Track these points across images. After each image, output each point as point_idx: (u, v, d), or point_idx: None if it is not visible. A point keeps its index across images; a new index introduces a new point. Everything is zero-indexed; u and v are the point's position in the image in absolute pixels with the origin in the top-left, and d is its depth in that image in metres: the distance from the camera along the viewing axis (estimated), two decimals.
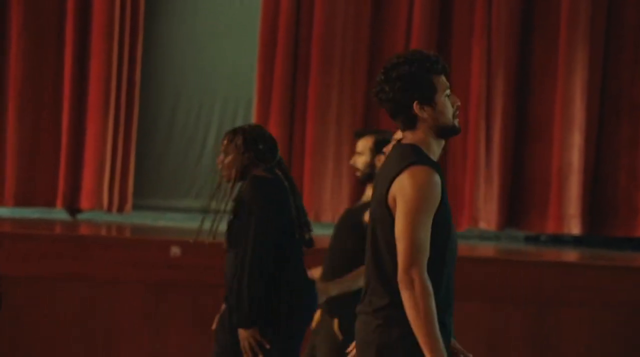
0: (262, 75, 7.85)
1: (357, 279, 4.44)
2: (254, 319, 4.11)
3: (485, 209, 7.74)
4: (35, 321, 5.88)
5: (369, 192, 4.67)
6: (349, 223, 4.65)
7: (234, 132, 4.32)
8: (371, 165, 4.77)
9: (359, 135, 4.87)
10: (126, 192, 7.83)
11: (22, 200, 7.64)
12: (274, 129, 7.80)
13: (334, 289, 4.54)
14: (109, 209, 7.72)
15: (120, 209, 7.76)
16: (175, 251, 6.14)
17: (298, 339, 4.32)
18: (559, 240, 7.89)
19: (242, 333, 4.15)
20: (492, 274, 6.24)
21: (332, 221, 7.78)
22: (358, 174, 4.72)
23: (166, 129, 8.36)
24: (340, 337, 4.53)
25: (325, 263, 4.69)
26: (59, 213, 7.83)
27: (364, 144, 4.82)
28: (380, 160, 4.89)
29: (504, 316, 6.20)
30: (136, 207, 8.00)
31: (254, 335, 4.14)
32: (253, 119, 7.94)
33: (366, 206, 4.50)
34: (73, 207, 7.75)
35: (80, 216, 7.80)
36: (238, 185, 4.28)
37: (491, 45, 7.81)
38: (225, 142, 4.31)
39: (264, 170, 4.24)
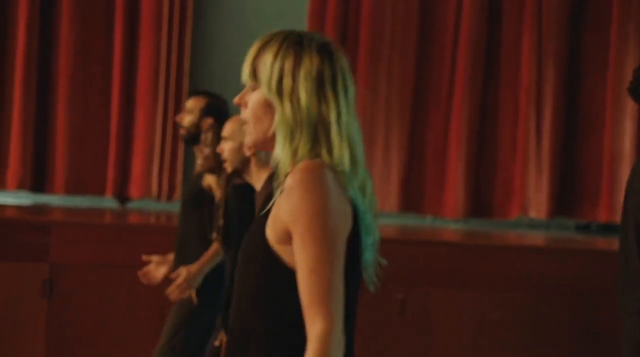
0: None
1: (215, 258, 4.40)
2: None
3: (535, 198, 7.68)
4: (86, 308, 5.93)
5: (200, 159, 4.64)
6: (192, 195, 4.56)
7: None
8: (197, 125, 4.72)
9: (192, 94, 4.80)
10: (175, 181, 7.87)
11: (73, 188, 7.72)
12: None
13: (197, 274, 4.50)
14: (158, 198, 7.77)
15: (170, 197, 7.80)
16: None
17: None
18: (610, 228, 7.80)
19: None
20: (542, 263, 6.19)
21: (380, 209, 7.76)
22: (182, 132, 4.63)
23: None
24: (195, 301, 4.56)
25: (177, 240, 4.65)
26: (109, 202, 7.89)
27: (194, 104, 4.77)
28: (207, 123, 4.83)
29: (553, 305, 6.15)
30: None
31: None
32: None
33: (201, 175, 4.45)
34: (122, 196, 7.81)
35: (129, 205, 7.86)
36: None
37: (541, 34, 7.73)
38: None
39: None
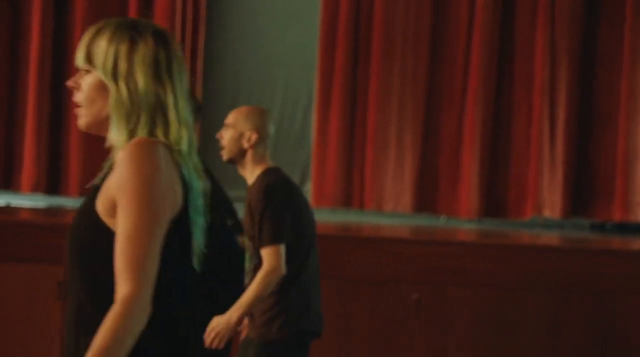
0: (322, 64, 7.84)
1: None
2: None
3: (549, 197, 7.66)
4: None
5: None
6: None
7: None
8: None
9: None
10: None
11: (87, 190, 7.72)
12: (335, 118, 7.79)
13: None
14: None
15: None
16: (241, 240, 6.16)
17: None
18: (625, 228, 7.78)
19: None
20: (558, 263, 6.18)
21: (393, 211, 7.76)
22: None
23: None
24: None
25: None
26: None
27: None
28: None
29: (569, 305, 6.13)
30: None
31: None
32: (314, 107, 7.94)
33: None
34: None
35: None
36: None
37: (555, 32, 7.71)
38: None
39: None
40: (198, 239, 2.35)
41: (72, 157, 7.73)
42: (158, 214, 2.23)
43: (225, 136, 4.18)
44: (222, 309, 4.00)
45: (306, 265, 4.19)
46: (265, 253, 4.03)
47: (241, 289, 4.17)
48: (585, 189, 7.75)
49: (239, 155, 4.19)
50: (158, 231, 2.23)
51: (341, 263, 6.20)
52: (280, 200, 4.08)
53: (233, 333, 4.01)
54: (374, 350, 6.14)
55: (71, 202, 7.81)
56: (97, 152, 7.45)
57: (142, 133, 2.32)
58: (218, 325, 3.98)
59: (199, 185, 2.37)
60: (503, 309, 6.15)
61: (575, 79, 7.75)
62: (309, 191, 7.98)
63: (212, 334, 3.97)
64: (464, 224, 7.76)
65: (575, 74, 7.74)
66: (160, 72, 2.37)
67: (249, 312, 4.03)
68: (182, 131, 2.33)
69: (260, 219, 4.05)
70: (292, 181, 4.33)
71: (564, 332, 6.13)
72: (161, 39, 2.43)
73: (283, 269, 4.04)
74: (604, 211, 7.72)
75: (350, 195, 7.80)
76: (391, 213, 7.80)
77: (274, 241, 4.02)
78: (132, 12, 7.77)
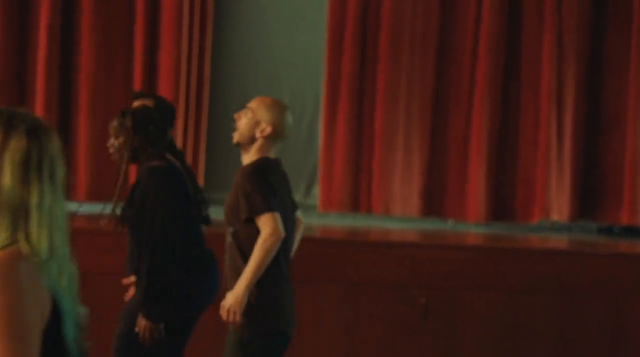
0: (330, 66, 7.84)
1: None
2: (162, 315, 4.13)
3: (557, 201, 7.66)
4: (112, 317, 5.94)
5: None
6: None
7: (124, 113, 4.29)
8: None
9: (136, 95, 4.84)
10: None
11: (95, 195, 7.74)
12: (342, 122, 7.79)
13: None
14: None
15: None
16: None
17: (194, 320, 4.34)
18: (633, 231, 7.77)
19: (146, 324, 4.16)
20: (566, 266, 6.17)
21: (402, 213, 7.75)
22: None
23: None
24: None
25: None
26: None
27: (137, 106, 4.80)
28: None
29: (578, 308, 6.13)
30: None
31: (158, 329, 4.16)
32: (321, 111, 7.94)
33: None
34: None
35: None
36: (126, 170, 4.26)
37: (562, 34, 7.71)
38: (114, 124, 4.27)
39: (156, 157, 4.20)
40: (70, 342, 2.31)
41: (79, 162, 7.74)
42: (29, 337, 2.20)
43: (242, 120, 4.18)
44: None
45: (280, 262, 4.15)
46: (261, 221, 4.01)
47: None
48: (592, 192, 7.74)
49: (249, 141, 4.18)
50: (31, 353, 2.19)
51: (349, 267, 6.20)
52: (270, 179, 4.07)
53: (244, 304, 4.00)
54: (382, 354, 6.14)
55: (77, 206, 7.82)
56: (104, 157, 7.45)
57: (3, 236, 2.25)
58: (227, 302, 4.01)
59: (65, 288, 2.31)
60: (511, 313, 6.15)
61: (583, 81, 7.74)
62: (316, 195, 7.99)
63: (225, 312, 4.01)
64: (471, 227, 7.75)
65: (583, 76, 7.74)
66: (28, 171, 2.27)
67: (253, 280, 4.00)
68: (41, 237, 2.25)
69: (251, 192, 4.02)
70: (284, 180, 4.28)
71: (572, 335, 6.12)
72: (35, 134, 2.30)
73: (282, 232, 4.02)
74: (611, 214, 7.72)
75: (358, 199, 7.80)
76: (399, 217, 7.80)
77: (267, 209, 4.01)
78: (140, 12, 7.77)
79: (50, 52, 7.71)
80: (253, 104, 4.24)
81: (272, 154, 4.23)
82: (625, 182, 7.64)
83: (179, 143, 7.75)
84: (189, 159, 7.82)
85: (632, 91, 7.66)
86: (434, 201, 7.76)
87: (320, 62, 7.96)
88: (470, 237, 7.29)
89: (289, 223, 4.22)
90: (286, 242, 4.16)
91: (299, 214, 4.44)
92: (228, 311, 4.02)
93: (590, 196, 7.74)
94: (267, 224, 4.01)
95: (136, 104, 4.61)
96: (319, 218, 7.87)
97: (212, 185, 8.22)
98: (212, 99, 8.08)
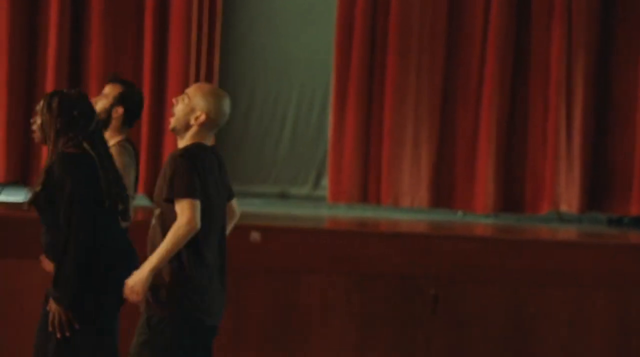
0: (339, 61, 7.85)
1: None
2: (70, 299, 4.13)
3: (566, 192, 7.65)
4: None
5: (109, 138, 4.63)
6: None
7: (52, 94, 4.28)
8: (107, 111, 4.74)
9: (111, 78, 4.81)
10: None
11: None
12: (351, 115, 7.80)
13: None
14: None
15: None
16: (254, 236, 6.17)
17: (113, 313, 4.33)
18: None
19: (56, 308, 4.16)
20: (576, 257, 6.17)
21: (410, 205, 7.76)
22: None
23: (245, 115, 8.41)
24: None
25: None
26: (141, 200, 7.92)
27: (109, 90, 4.81)
28: (118, 112, 4.84)
29: (587, 299, 6.13)
30: None
31: (67, 314, 4.16)
32: (331, 104, 7.95)
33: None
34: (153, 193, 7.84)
35: None
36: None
37: (571, 28, 7.69)
38: (41, 103, 4.27)
39: (72, 143, 4.19)
40: None
41: None
42: None
43: (179, 105, 4.16)
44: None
45: (207, 251, 4.10)
46: (179, 207, 3.94)
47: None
48: (602, 183, 7.73)
49: (184, 128, 4.14)
50: None
51: (358, 258, 6.20)
52: (199, 164, 4.02)
53: (147, 286, 3.98)
54: (390, 345, 6.15)
55: None
56: None
57: None
58: (132, 281, 3.99)
59: None
60: (520, 304, 6.14)
61: (592, 74, 7.73)
62: (326, 186, 8.00)
63: (128, 291, 3.99)
64: (480, 219, 7.75)
65: (592, 69, 7.73)
66: None
67: (160, 265, 3.94)
68: None
69: (175, 175, 3.97)
70: (220, 167, 4.22)
71: (582, 326, 6.12)
72: None
73: (197, 223, 3.94)
74: (621, 205, 7.71)
75: (367, 191, 7.81)
76: (408, 208, 7.80)
77: (187, 194, 3.93)
78: (149, 7, 7.79)
79: (60, 47, 7.74)
80: (190, 90, 4.18)
81: (207, 141, 4.18)
82: (635, 173, 7.63)
83: None
84: None
85: None
86: (443, 193, 7.76)
87: (330, 56, 7.97)
88: (479, 229, 7.29)
89: (220, 212, 4.16)
90: (217, 231, 4.11)
91: (234, 202, 4.34)
92: (131, 289, 4.00)
93: (599, 188, 7.73)
94: (184, 212, 3.94)
95: (107, 88, 4.67)
96: (328, 209, 7.89)
97: None
98: None
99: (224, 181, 4.21)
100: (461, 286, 6.14)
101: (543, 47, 7.73)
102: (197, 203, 3.96)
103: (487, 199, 7.64)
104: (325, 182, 8.03)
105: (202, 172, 4.02)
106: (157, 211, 4.10)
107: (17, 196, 7.29)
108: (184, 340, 4.04)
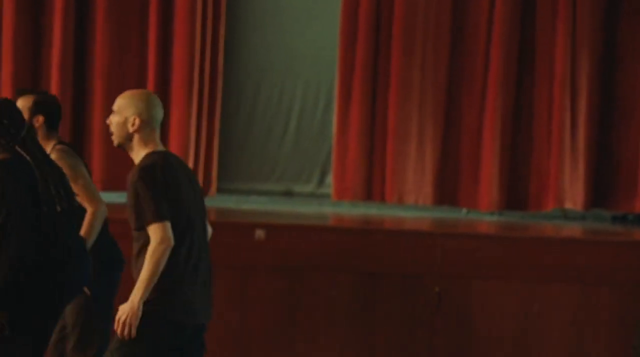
0: (343, 57, 7.85)
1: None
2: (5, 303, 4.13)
3: (571, 190, 7.64)
4: None
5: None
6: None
7: None
8: (30, 123, 4.73)
9: (19, 93, 4.80)
10: (210, 176, 7.90)
11: (109, 185, 7.77)
12: (356, 112, 7.81)
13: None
14: None
15: (205, 192, 7.84)
16: (259, 233, 6.18)
17: (54, 316, 4.32)
18: None
19: None
20: (580, 254, 6.17)
21: (415, 202, 7.76)
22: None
23: (249, 113, 8.41)
24: None
25: None
26: None
27: (22, 103, 4.80)
28: (39, 121, 4.85)
29: (592, 296, 6.13)
30: (220, 190, 8.08)
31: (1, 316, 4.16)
32: (335, 101, 7.95)
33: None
34: None
35: None
36: None
37: (576, 24, 7.68)
38: None
39: (2, 149, 4.20)
40: None
41: (94, 153, 7.78)
42: None
43: (113, 122, 4.19)
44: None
45: (178, 252, 4.10)
46: (151, 230, 3.99)
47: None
48: (606, 180, 7.73)
49: (127, 139, 4.16)
50: None
51: (362, 256, 6.21)
52: (155, 180, 4.02)
53: (139, 316, 3.99)
54: (395, 342, 6.15)
55: None
56: (118, 148, 7.47)
57: None
58: (124, 313, 3.99)
59: None
60: (525, 301, 6.15)
61: (597, 71, 7.72)
62: (330, 184, 8.00)
63: (121, 325, 3.98)
64: (485, 216, 7.75)
65: (597, 66, 7.72)
66: None
67: (147, 291, 3.98)
68: None
69: (138, 201, 4.01)
70: (176, 164, 4.21)
71: (588, 323, 6.12)
72: None
73: (170, 240, 3.99)
74: (625, 202, 7.70)
75: (371, 188, 7.81)
76: (412, 206, 7.80)
77: (155, 219, 3.98)
78: (153, 4, 7.80)
79: (64, 46, 7.75)
80: (115, 105, 4.24)
81: (157, 143, 4.19)
82: (639, 170, 7.62)
83: (192, 134, 7.79)
84: (202, 151, 7.85)
85: None
86: (447, 190, 7.76)
87: (334, 53, 7.97)
88: (483, 226, 7.29)
89: (194, 211, 4.17)
90: (193, 234, 4.12)
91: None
92: (124, 323, 3.99)
93: (604, 185, 7.72)
94: (155, 234, 3.99)
95: (19, 102, 4.67)
96: (333, 207, 7.89)
97: (226, 175, 8.25)
98: (225, 90, 8.10)
99: (190, 179, 4.23)
100: (465, 284, 6.15)
101: (547, 45, 7.72)
102: (166, 223, 4.01)
103: (492, 197, 7.64)
104: (330, 179, 8.03)
105: (163, 185, 4.05)
106: (134, 234, 4.13)
107: None
108: (154, 338, 4.06)
